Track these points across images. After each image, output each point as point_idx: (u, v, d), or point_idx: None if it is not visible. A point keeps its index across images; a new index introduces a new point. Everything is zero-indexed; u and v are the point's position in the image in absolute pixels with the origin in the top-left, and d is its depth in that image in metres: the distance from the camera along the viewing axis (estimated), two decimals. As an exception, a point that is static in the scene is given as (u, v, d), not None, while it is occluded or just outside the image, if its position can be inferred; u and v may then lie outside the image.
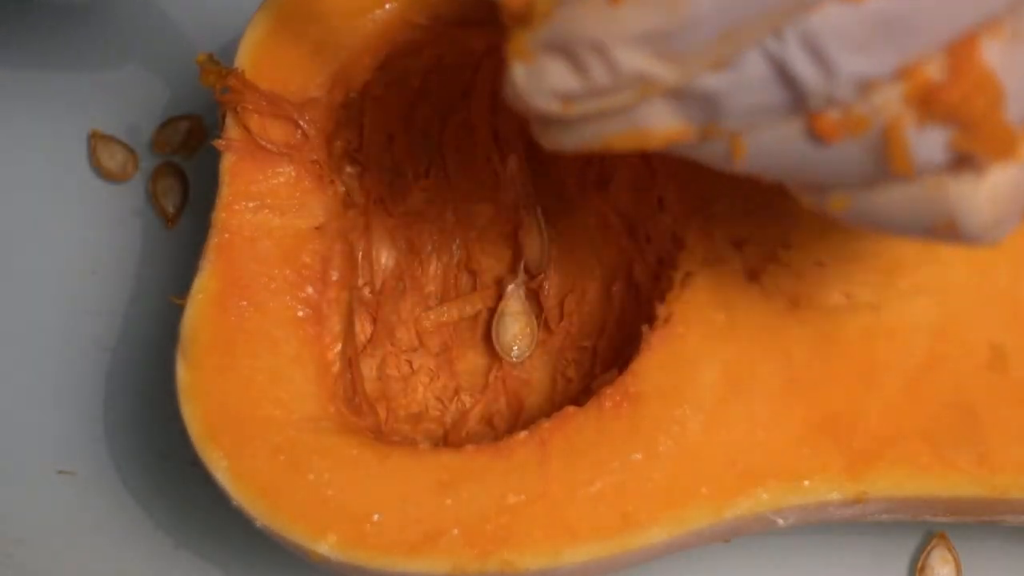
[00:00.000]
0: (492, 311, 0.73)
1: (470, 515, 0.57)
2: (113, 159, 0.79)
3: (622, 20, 0.43)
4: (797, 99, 0.44)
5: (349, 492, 0.58)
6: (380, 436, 0.62)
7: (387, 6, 0.64)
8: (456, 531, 0.57)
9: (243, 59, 0.63)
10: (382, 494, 0.58)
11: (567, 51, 0.44)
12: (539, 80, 0.45)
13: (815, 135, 0.45)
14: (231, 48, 0.64)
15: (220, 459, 0.58)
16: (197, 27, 0.80)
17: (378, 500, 0.57)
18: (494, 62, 0.68)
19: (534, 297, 0.73)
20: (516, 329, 0.72)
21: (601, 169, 0.69)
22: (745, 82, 0.44)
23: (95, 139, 0.79)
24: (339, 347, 0.62)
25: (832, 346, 0.60)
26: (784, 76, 0.44)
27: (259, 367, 0.60)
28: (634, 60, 0.43)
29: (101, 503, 0.73)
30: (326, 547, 0.57)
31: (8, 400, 0.75)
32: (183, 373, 0.60)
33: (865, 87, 0.43)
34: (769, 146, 0.46)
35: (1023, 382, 0.60)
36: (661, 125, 0.45)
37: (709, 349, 0.60)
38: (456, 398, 0.72)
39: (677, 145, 0.46)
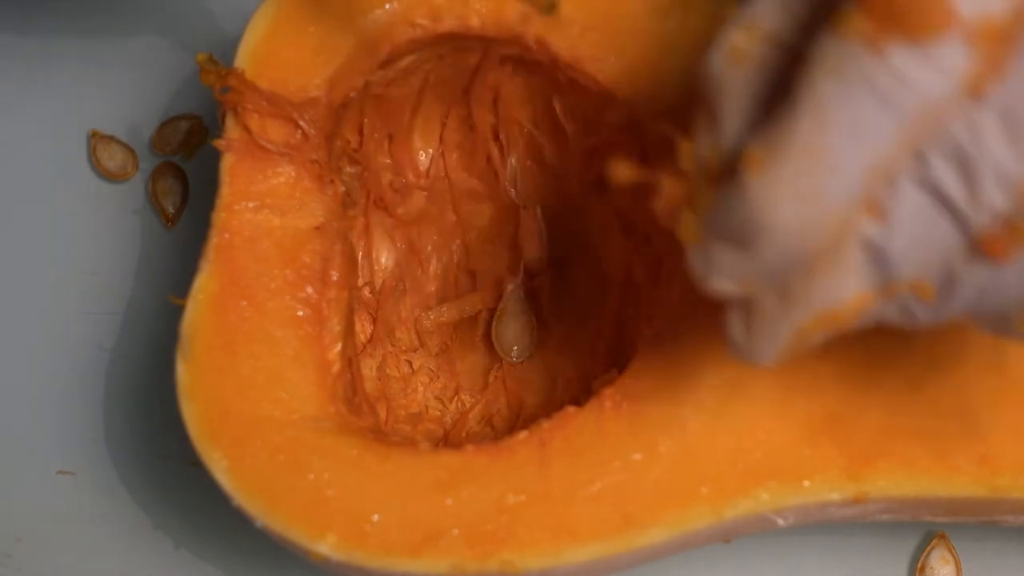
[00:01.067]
0: (492, 311, 0.73)
1: (470, 515, 0.57)
2: (113, 159, 0.78)
3: (774, 187, 0.44)
4: (956, 221, 0.44)
5: (349, 492, 0.58)
6: (380, 436, 0.62)
7: (387, 6, 0.64)
8: (456, 531, 0.57)
9: (243, 59, 0.63)
10: (382, 494, 0.58)
11: (729, 236, 0.45)
12: (711, 263, 0.47)
13: (985, 256, 0.45)
14: (231, 48, 0.64)
15: (220, 459, 0.58)
16: (197, 27, 0.80)
17: (378, 500, 0.57)
18: (493, 62, 0.68)
19: (534, 297, 0.73)
20: (516, 329, 0.72)
21: (601, 169, 0.69)
22: (905, 220, 0.45)
23: (95, 139, 0.79)
24: (339, 347, 0.62)
25: (832, 346, 0.59)
26: (938, 199, 0.44)
27: (259, 367, 0.60)
28: (790, 224, 0.44)
29: (101, 503, 0.73)
30: (326, 547, 0.57)
31: (8, 400, 0.75)
32: (183, 373, 0.60)
33: (1016, 188, 0.43)
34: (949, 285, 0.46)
35: (1023, 382, 0.60)
36: (844, 297, 0.46)
37: (710, 349, 0.60)
38: (456, 398, 0.72)
39: (868, 313, 0.47)
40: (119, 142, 0.79)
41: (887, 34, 0.42)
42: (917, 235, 0.45)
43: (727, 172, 0.46)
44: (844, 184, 0.44)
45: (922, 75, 0.43)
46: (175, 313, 0.61)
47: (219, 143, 0.62)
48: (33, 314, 0.76)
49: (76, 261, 0.77)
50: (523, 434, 0.59)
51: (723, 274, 0.47)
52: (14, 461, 0.74)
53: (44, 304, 0.77)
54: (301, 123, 0.62)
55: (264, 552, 0.68)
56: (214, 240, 0.61)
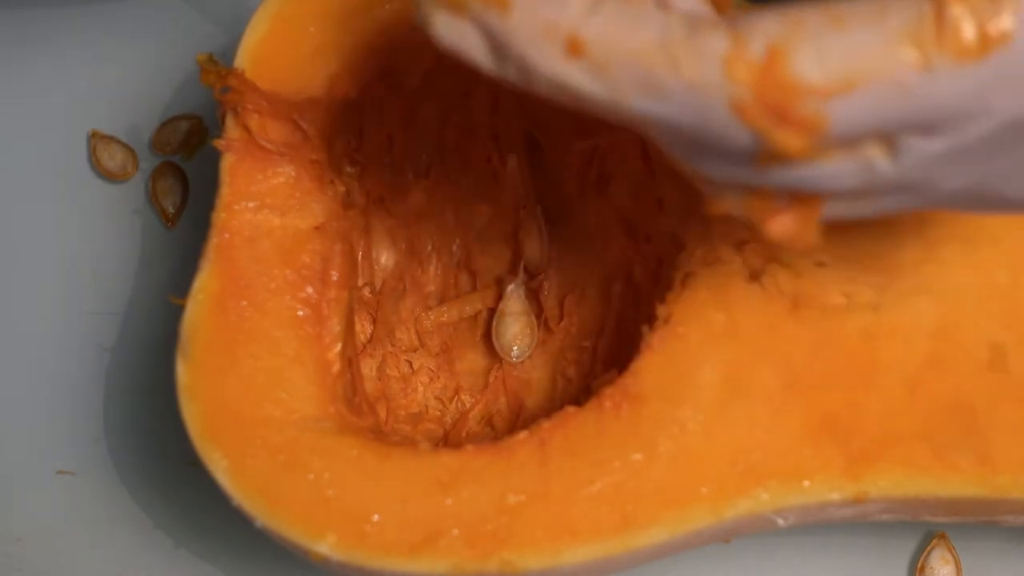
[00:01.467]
0: (492, 311, 0.73)
1: (470, 515, 0.57)
2: (113, 159, 0.79)
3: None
4: None
5: (349, 492, 0.57)
6: (380, 436, 0.62)
7: (387, 6, 0.64)
8: (456, 531, 0.57)
9: (243, 59, 0.63)
10: (382, 494, 0.57)
11: None
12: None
13: None
14: (231, 48, 0.64)
15: (220, 459, 0.58)
16: (197, 28, 0.80)
17: (378, 500, 0.57)
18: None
19: (534, 297, 0.73)
20: (516, 329, 0.72)
21: (601, 169, 0.69)
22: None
23: (95, 139, 0.79)
24: (339, 347, 0.62)
25: (832, 346, 0.60)
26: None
27: (259, 367, 0.60)
28: None
29: (101, 503, 0.73)
30: (326, 547, 0.57)
31: (8, 400, 0.75)
32: (183, 373, 0.60)
33: None
34: None
35: (1023, 381, 0.60)
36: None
37: (709, 349, 0.60)
38: (456, 398, 0.72)
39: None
40: (119, 142, 0.79)
41: None
42: None
43: None
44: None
45: None
46: (175, 313, 0.61)
47: (219, 143, 0.62)
48: (33, 314, 0.76)
49: (76, 261, 0.77)
50: (523, 434, 0.59)
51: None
52: (14, 461, 0.74)
53: (44, 304, 0.77)
54: (301, 123, 0.62)
55: (264, 552, 0.68)
56: (214, 240, 0.61)
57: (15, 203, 0.78)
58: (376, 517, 0.57)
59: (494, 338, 0.72)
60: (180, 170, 0.79)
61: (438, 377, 0.72)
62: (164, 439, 0.73)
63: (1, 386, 0.75)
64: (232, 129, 0.63)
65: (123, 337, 0.76)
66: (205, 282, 0.61)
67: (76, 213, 0.78)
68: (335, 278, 0.62)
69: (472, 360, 0.72)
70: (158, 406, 0.73)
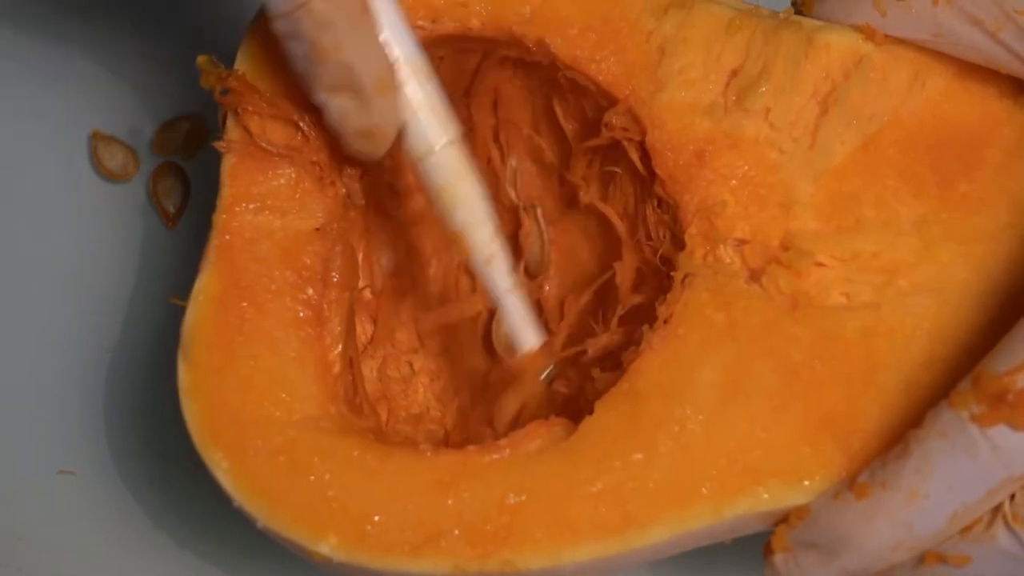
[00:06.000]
0: (492, 312, 0.73)
1: (471, 515, 0.57)
2: (114, 159, 0.79)
3: (874, 513, 0.55)
4: None
5: (350, 493, 0.57)
6: (381, 437, 0.62)
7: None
8: (457, 531, 0.57)
9: (243, 61, 0.63)
10: (383, 495, 0.58)
11: (818, 545, 0.57)
12: (793, 568, 0.58)
13: None
14: (232, 50, 0.64)
15: (221, 460, 0.58)
16: (198, 29, 0.80)
17: (379, 501, 0.57)
18: (493, 64, 0.68)
19: (534, 298, 0.73)
20: (516, 330, 0.72)
21: (601, 171, 0.69)
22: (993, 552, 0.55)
23: (96, 139, 0.79)
24: (340, 348, 0.62)
25: (832, 346, 0.60)
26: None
27: (260, 368, 0.60)
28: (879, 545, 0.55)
29: (101, 503, 0.73)
30: (327, 548, 0.57)
31: (8, 400, 0.75)
32: (184, 374, 0.60)
33: None
34: None
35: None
36: None
37: (709, 349, 0.60)
38: (457, 399, 0.72)
39: None
40: (120, 142, 0.79)
41: (995, 416, 0.53)
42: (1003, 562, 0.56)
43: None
44: (932, 523, 0.55)
45: (1016, 456, 0.53)
46: (176, 313, 0.61)
47: (220, 145, 0.62)
48: (34, 314, 0.77)
49: (77, 261, 0.77)
50: (523, 434, 0.59)
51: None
52: (14, 461, 0.74)
53: (45, 304, 0.77)
54: (301, 125, 0.62)
55: (265, 552, 0.68)
56: (215, 241, 0.61)
57: (16, 203, 0.78)
58: (377, 517, 0.57)
59: (494, 339, 0.72)
60: (181, 170, 0.79)
61: (439, 378, 0.72)
62: (165, 439, 0.73)
63: (1, 386, 0.75)
64: (233, 131, 0.63)
65: (124, 337, 0.76)
66: (206, 283, 0.61)
67: (77, 213, 0.78)
68: (336, 279, 0.62)
69: (472, 361, 0.72)
70: (159, 406, 0.73)
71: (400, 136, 0.61)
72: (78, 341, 0.76)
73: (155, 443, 0.74)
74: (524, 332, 0.65)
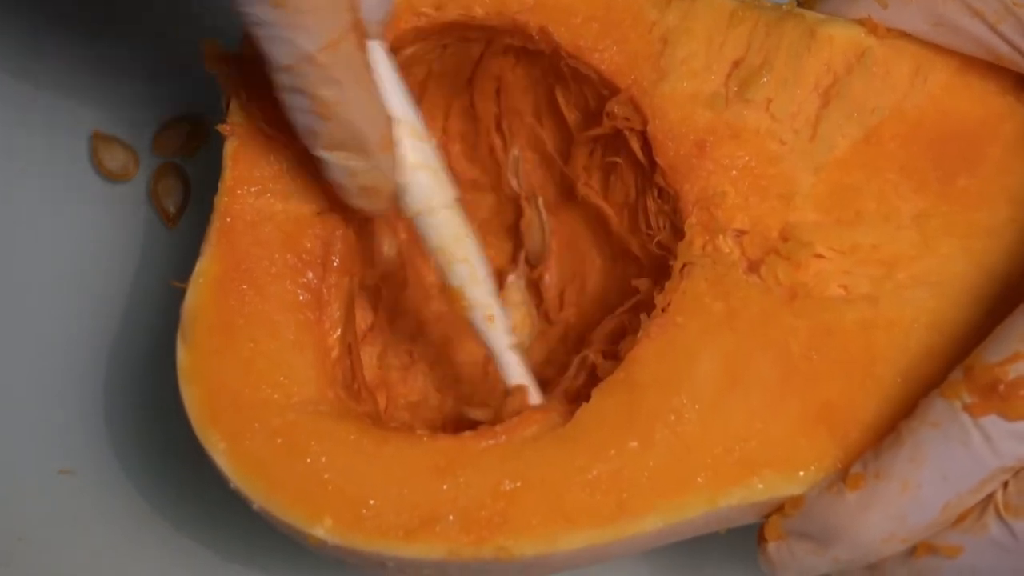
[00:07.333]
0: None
1: (466, 501, 0.57)
2: (114, 159, 0.79)
3: (868, 504, 0.55)
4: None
5: (346, 476, 0.58)
6: (378, 422, 0.62)
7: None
8: (452, 517, 0.57)
9: (248, 46, 0.63)
10: (379, 479, 0.58)
11: (812, 536, 0.57)
12: (786, 557, 0.58)
13: None
14: (233, 43, 0.64)
15: (219, 441, 0.58)
16: (199, 29, 0.80)
17: (375, 485, 0.57)
18: (496, 52, 0.69)
19: (534, 287, 0.73)
20: (516, 319, 0.72)
21: (603, 160, 0.69)
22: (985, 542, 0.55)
23: (96, 139, 0.79)
24: (339, 332, 0.62)
25: (830, 338, 0.60)
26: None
27: (259, 350, 0.60)
28: (872, 536, 0.56)
29: (101, 502, 0.73)
30: (322, 530, 0.57)
31: (8, 400, 0.75)
32: (183, 355, 0.60)
33: None
34: None
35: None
36: None
37: (707, 339, 0.60)
38: (455, 388, 0.72)
39: None
40: (120, 142, 0.79)
41: (986, 407, 0.54)
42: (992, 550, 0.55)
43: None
44: (925, 513, 0.55)
45: (1008, 445, 0.53)
46: (176, 313, 0.61)
47: (223, 128, 0.62)
48: (34, 314, 0.77)
49: (77, 261, 0.77)
50: (519, 421, 0.59)
51: (794, 566, 0.58)
52: (14, 460, 0.74)
53: (44, 304, 0.77)
54: (304, 110, 0.62)
55: (262, 536, 0.68)
56: (216, 224, 0.61)
57: (16, 203, 0.78)
58: (373, 501, 0.57)
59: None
60: (181, 170, 0.79)
61: (438, 366, 0.72)
62: (165, 439, 0.74)
63: (2, 386, 0.75)
64: (235, 115, 0.63)
65: (123, 337, 0.76)
66: (206, 266, 0.61)
67: (77, 213, 0.78)
68: (336, 263, 0.62)
69: (472, 350, 0.72)
70: (159, 406, 0.73)
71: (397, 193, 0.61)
72: (78, 341, 0.76)
73: (155, 443, 0.74)
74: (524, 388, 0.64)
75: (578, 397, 0.61)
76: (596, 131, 0.66)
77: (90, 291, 0.77)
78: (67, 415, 0.75)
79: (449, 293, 0.63)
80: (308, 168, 0.62)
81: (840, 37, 0.63)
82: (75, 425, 0.75)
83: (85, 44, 0.81)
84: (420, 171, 0.60)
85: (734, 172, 0.62)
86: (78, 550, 0.73)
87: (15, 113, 0.80)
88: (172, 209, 0.78)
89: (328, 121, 0.56)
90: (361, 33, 0.56)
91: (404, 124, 0.59)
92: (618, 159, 0.67)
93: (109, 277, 0.77)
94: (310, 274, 0.62)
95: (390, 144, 0.58)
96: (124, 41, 0.81)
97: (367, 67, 0.57)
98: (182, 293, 0.61)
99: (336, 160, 0.58)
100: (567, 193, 0.72)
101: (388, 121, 0.58)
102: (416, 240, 0.72)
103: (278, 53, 0.55)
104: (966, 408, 0.54)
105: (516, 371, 0.63)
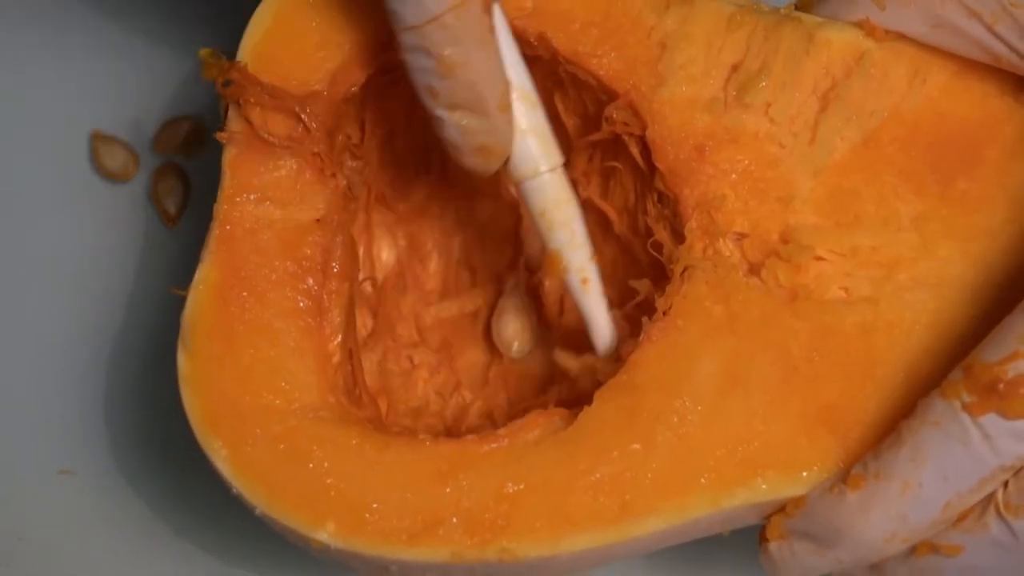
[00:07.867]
0: (492, 307, 0.73)
1: (469, 504, 0.57)
2: (114, 159, 0.79)
3: (869, 505, 0.56)
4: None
5: (349, 481, 0.58)
6: (380, 427, 0.62)
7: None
8: (455, 520, 0.57)
9: (246, 53, 0.63)
10: (381, 483, 0.58)
11: (813, 536, 0.58)
12: (787, 557, 0.59)
13: None
14: (233, 48, 0.64)
15: (220, 448, 0.58)
16: (199, 29, 0.81)
17: (377, 489, 0.58)
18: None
19: (534, 294, 0.73)
20: (516, 325, 0.72)
21: (602, 165, 0.69)
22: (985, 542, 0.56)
23: (96, 139, 0.79)
24: (339, 338, 0.62)
25: (830, 339, 0.60)
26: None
27: (259, 357, 0.60)
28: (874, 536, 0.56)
29: (101, 502, 0.73)
30: (325, 535, 0.57)
31: (8, 400, 0.75)
32: (184, 362, 0.60)
33: None
34: None
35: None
36: None
37: (708, 342, 0.60)
38: (456, 393, 0.72)
39: None
40: (120, 142, 0.79)
41: (985, 406, 0.54)
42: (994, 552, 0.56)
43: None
44: (926, 513, 0.55)
45: (1007, 444, 0.54)
46: (176, 313, 0.61)
47: (221, 136, 0.63)
48: (34, 314, 0.77)
49: (77, 261, 0.78)
50: (521, 424, 0.59)
51: (795, 566, 0.59)
52: (15, 460, 0.74)
53: (44, 304, 0.77)
54: (303, 116, 0.62)
55: (264, 540, 0.68)
56: (215, 231, 0.61)
57: (16, 203, 0.79)
58: (376, 505, 0.57)
59: (494, 334, 0.72)
60: (181, 170, 0.79)
61: (438, 372, 0.72)
62: (165, 439, 0.74)
63: (2, 386, 0.75)
64: (234, 122, 0.63)
65: (124, 337, 0.76)
66: (206, 273, 0.61)
67: (77, 213, 0.78)
68: (336, 270, 0.62)
69: (472, 356, 0.73)
70: (159, 406, 0.73)
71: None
72: (78, 341, 0.76)
73: (155, 443, 0.74)
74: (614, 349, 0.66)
75: (580, 400, 0.61)
76: (595, 136, 0.66)
77: (90, 291, 0.77)
78: (67, 415, 0.75)
79: (548, 255, 0.64)
80: (307, 175, 0.63)
81: (838, 41, 0.63)
82: (75, 425, 0.75)
83: (85, 43, 0.81)
84: (529, 136, 0.62)
85: (734, 176, 0.62)
86: (78, 550, 0.73)
87: (15, 113, 0.80)
88: (172, 209, 0.78)
89: (448, 80, 0.57)
90: None
91: (517, 88, 0.61)
92: (617, 164, 0.67)
93: (109, 277, 0.77)
94: (310, 280, 0.62)
95: (508, 106, 0.60)
96: (124, 40, 0.81)
97: (491, 30, 0.58)
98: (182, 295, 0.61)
99: (454, 119, 0.59)
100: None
101: (507, 83, 0.59)
102: (415, 246, 0.73)
103: (406, 13, 0.56)
104: (966, 407, 0.54)
105: (608, 335, 0.65)
